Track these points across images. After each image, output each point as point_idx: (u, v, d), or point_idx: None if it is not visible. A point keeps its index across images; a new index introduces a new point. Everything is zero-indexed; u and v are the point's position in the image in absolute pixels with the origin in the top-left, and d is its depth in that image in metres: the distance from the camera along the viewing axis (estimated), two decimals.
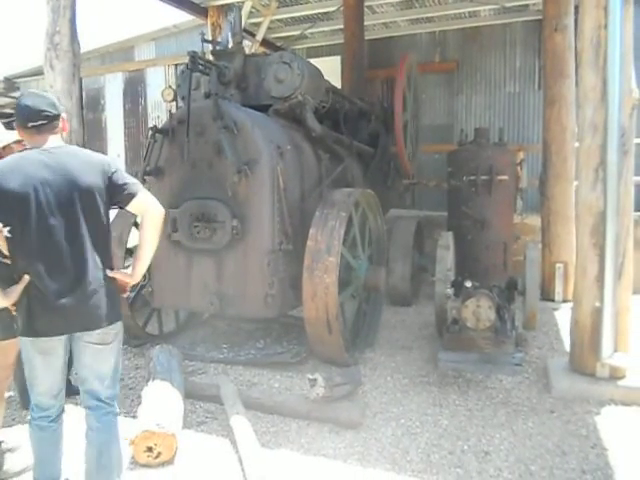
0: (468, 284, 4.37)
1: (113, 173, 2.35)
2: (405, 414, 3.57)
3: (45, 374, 2.38)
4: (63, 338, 2.33)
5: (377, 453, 3.10)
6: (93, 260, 2.31)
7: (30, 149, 2.31)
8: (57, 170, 2.24)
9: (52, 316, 2.26)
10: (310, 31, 9.52)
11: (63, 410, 2.52)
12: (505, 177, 5.85)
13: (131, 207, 2.40)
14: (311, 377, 3.45)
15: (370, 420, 3.48)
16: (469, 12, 8.90)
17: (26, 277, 2.23)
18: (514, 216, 6.39)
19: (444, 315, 4.57)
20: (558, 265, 6.25)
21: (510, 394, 3.84)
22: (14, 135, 2.83)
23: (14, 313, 2.31)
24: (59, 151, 2.30)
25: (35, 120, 2.28)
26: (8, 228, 2.19)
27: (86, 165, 2.30)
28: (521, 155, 6.84)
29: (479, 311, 4.15)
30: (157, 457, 2.97)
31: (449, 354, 4.26)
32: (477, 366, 4.21)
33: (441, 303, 4.56)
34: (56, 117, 2.35)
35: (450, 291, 4.52)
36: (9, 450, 2.97)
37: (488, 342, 4.22)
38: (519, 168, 6.50)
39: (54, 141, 2.34)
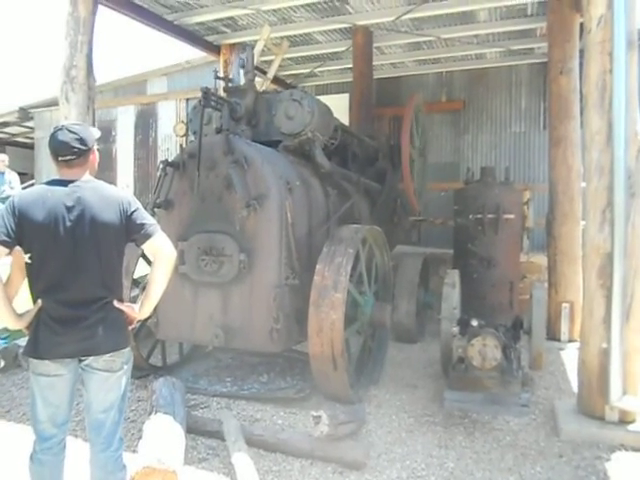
0: (474, 323, 4.34)
1: (133, 212, 2.42)
2: (410, 455, 3.50)
3: (47, 400, 2.38)
4: (69, 363, 2.36)
5: None
6: (102, 291, 2.38)
7: (57, 180, 2.40)
8: (77, 205, 2.33)
9: (56, 339, 2.31)
10: (319, 69, 9.73)
11: (65, 445, 2.49)
12: (512, 216, 5.88)
13: (146, 247, 2.47)
14: (315, 414, 3.40)
15: (374, 461, 3.41)
16: (475, 54, 9.11)
17: (39, 302, 2.32)
18: (520, 255, 6.39)
19: (450, 354, 4.52)
20: (564, 305, 6.21)
21: (517, 436, 3.77)
22: None
23: (27, 335, 2.38)
24: (83, 185, 2.39)
25: (64, 155, 2.38)
26: (29, 255, 2.31)
27: (104, 202, 2.37)
28: (527, 194, 6.87)
29: (485, 350, 4.12)
30: None
31: (455, 393, 4.20)
32: (483, 406, 4.15)
33: (447, 341, 4.53)
34: (85, 152, 2.44)
35: (456, 329, 4.48)
36: None
37: (494, 382, 4.18)
38: (525, 207, 6.53)
39: (81, 174, 2.42)
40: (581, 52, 6.00)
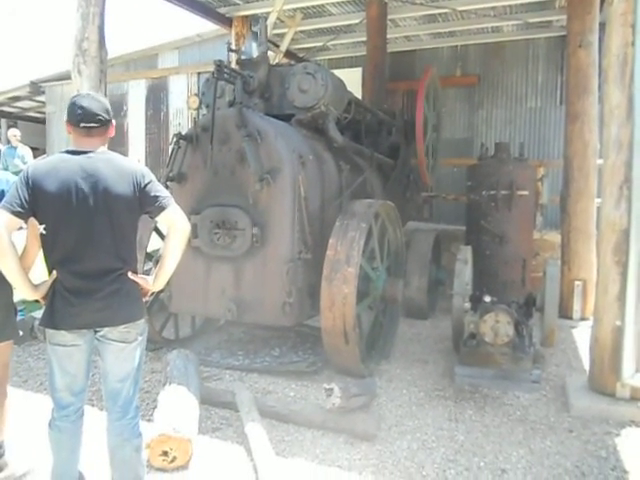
0: (487, 299, 4.34)
1: (147, 184, 2.40)
2: (420, 428, 3.54)
3: (64, 369, 2.42)
4: (85, 334, 2.39)
5: (392, 466, 3.08)
6: (116, 262, 2.38)
7: (72, 151, 2.38)
8: (90, 176, 2.31)
9: (71, 310, 2.33)
10: (332, 43, 9.59)
11: (83, 413, 2.54)
12: (525, 192, 5.81)
13: (160, 219, 2.47)
14: (327, 387, 3.44)
15: (385, 433, 3.46)
16: (492, 27, 8.91)
17: (54, 273, 2.34)
18: (534, 232, 6.34)
19: (461, 329, 4.54)
20: (577, 283, 6.19)
21: (527, 411, 3.79)
22: None
23: (43, 305, 2.40)
24: (98, 157, 2.37)
25: (88, 122, 2.36)
26: (44, 226, 2.31)
27: (117, 174, 2.36)
28: (542, 171, 6.79)
29: (497, 326, 4.12)
30: (172, 461, 2.98)
31: (466, 369, 4.23)
32: (494, 382, 4.17)
33: (458, 317, 4.53)
34: (107, 122, 2.43)
35: (468, 305, 4.49)
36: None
37: (506, 358, 4.19)
38: (540, 184, 6.46)
39: (97, 146, 2.41)
40: (601, 25, 5.90)
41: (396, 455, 3.20)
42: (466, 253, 4.88)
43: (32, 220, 2.36)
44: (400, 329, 5.30)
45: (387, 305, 4.88)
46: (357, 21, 8.44)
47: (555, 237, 6.89)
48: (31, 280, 2.37)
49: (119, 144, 12.31)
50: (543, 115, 9.06)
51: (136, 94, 12.64)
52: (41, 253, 2.44)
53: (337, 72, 5.23)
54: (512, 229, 5.80)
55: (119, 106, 12.58)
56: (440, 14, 8.32)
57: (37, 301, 2.43)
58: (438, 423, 3.61)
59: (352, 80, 7.71)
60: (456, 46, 9.62)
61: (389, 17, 8.17)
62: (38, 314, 4.81)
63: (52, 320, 2.35)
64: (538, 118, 9.09)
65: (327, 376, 4.27)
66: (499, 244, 5.77)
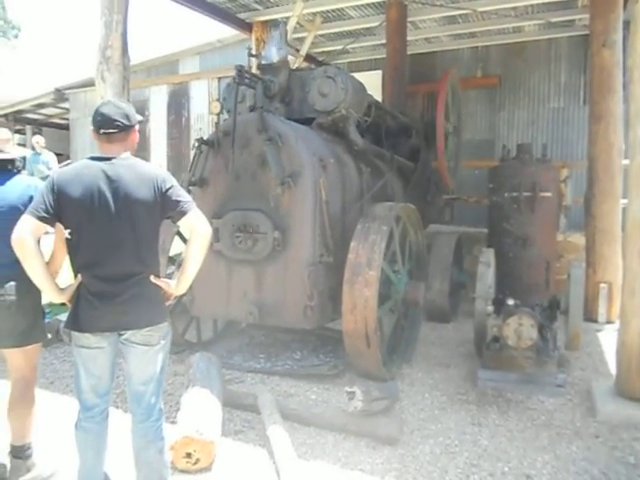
0: (510, 302, 4.29)
1: (168, 189, 2.43)
2: (443, 432, 3.51)
3: (89, 371, 2.47)
4: (109, 336, 2.43)
5: (415, 471, 3.06)
6: (138, 266, 2.42)
7: (95, 157, 2.43)
8: (112, 181, 2.35)
9: (95, 313, 2.37)
10: (352, 46, 9.59)
11: (108, 414, 2.58)
12: (549, 194, 5.73)
13: (181, 224, 2.49)
14: (349, 390, 3.44)
15: (407, 437, 3.44)
16: (513, 27, 8.83)
17: (79, 276, 2.39)
18: (557, 234, 6.25)
19: (484, 333, 4.49)
20: (602, 285, 6.09)
21: (552, 416, 3.74)
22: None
23: (69, 308, 2.45)
24: (119, 162, 2.41)
25: (107, 128, 2.41)
26: (69, 230, 2.36)
27: (139, 179, 2.39)
28: (565, 172, 6.70)
29: (521, 329, 4.07)
30: (195, 463, 3.00)
31: (489, 373, 4.18)
32: (517, 386, 4.12)
33: (481, 320, 4.49)
34: (127, 128, 2.47)
35: (491, 308, 4.44)
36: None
37: (529, 362, 4.13)
38: (563, 185, 6.37)
39: (119, 151, 2.44)
40: (625, 23, 5.80)
41: (419, 459, 3.18)
42: (489, 256, 4.83)
43: (59, 225, 2.41)
44: (422, 332, 5.26)
45: (409, 308, 4.86)
46: (377, 24, 8.44)
47: (579, 239, 6.78)
48: (57, 284, 2.43)
49: (141, 149, 12.43)
50: (566, 115, 8.94)
51: (158, 100, 12.81)
52: (67, 257, 2.49)
53: (357, 75, 5.25)
54: (535, 231, 5.72)
55: (141, 112, 12.62)
56: (460, 15, 8.28)
57: (63, 304, 2.48)
58: (461, 427, 3.58)
59: (372, 83, 7.72)
60: (477, 47, 9.56)
61: (409, 19, 8.16)
62: (64, 317, 4.89)
63: (77, 323, 2.40)
64: (561, 118, 8.98)
65: (348, 379, 4.26)
66: (522, 246, 5.70)
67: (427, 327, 5.74)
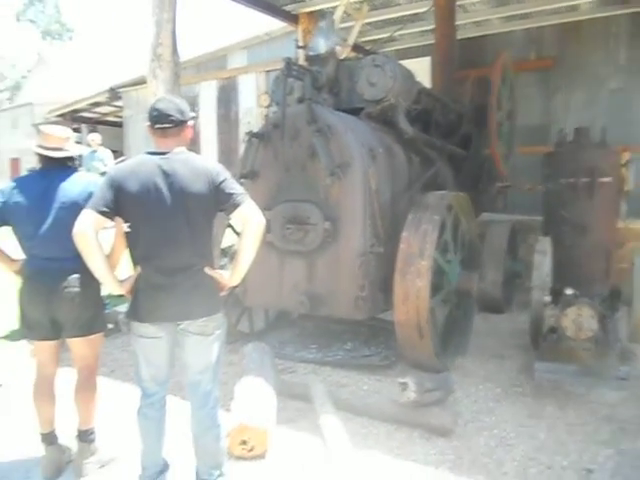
0: (569, 292, 4.15)
1: (221, 182, 2.47)
2: (498, 424, 3.45)
3: (149, 360, 2.56)
4: (167, 326, 2.51)
5: (470, 463, 3.02)
6: (194, 259, 2.48)
7: (151, 152, 2.50)
8: (168, 176, 2.42)
9: (153, 304, 2.45)
10: (399, 33, 9.45)
11: (165, 402, 2.67)
12: (608, 179, 5.49)
13: (235, 216, 2.53)
14: (402, 381, 3.42)
15: (461, 428, 3.40)
16: (568, 6, 8.46)
17: (138, 268, 2.47)
18: (618, 221, 5.98)
19: (540, 323, 4.36)
20: None
21: (615, 410, 3.61)
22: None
23: (128, 300, 2.55)
24: (174, 157, 2.47)
25: (162, 123, 2.48)
26: (128, 224, 2.45)
27: (193, 173, 2.45)
28: (626, 156, 6.38)
29: (580, 320, 3.94)
30: (251, 450, 3.07)
31: (546, 365, 4.05)
32: (577, 378, 3.97)
33: (538, 311, 4.36)
34: (181, 123, 2.53)
35: (548, 298, 4.31)
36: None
37: (589, 353, 3.99)
38: (624, 169, 6.08)
39: (173, 146, 2.51)
40: None
41: (473, 451, 3.13)
42: (545, 244, 4.68)
43: (118, 219, 2.49)
44: (475, 323, 5.16)
45: (461, 299, 4.77)
46: (424, 9, 8.27)
47: None
48: (116, 276, 2.52)
49: (191, 144, 12.70)
50: (627, 97, 8.52)
51: (207, 95, 13.04)
52: (127, 250, 2.58)
53: (404, 63, 5.15)
54: (594, 218, 5.50)
55: (191, 108, 12.97)
56: None
57: (122, 295, 2.57)
58: (517, 420, 3.50)
59: (420, 70, 7.56)
60: (530, 28, 9.22)
61: (458, 3, 7.93)
62: (122, 308, 5.07)
63: (136, 313, 2.49)
64: (622, 100, 8.56)
65: (400, 370, 4.23)
66: (580, 234, 5.48)
67: (480, 318, 5.61)
